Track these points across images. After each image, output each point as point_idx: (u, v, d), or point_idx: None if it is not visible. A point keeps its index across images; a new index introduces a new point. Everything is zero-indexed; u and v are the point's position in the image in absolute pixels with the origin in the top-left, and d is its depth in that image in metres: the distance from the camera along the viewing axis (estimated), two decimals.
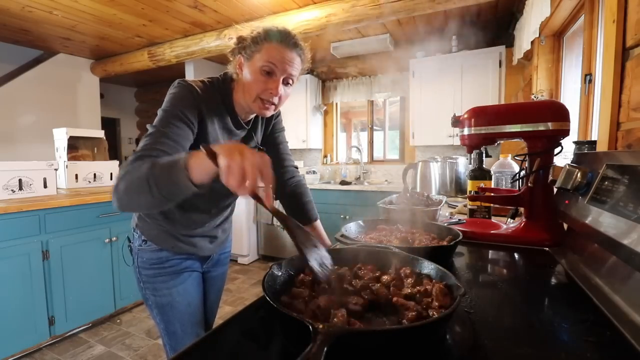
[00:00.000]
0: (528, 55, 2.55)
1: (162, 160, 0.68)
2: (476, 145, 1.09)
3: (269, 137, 1.11)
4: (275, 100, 0.88)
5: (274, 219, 3.64)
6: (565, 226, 0.92)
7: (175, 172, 0.63)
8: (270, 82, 0.86)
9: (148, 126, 0.81)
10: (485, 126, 1.04)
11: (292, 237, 0.56)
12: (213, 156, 0.57)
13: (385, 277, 0.59)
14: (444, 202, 1.50)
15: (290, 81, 0.90)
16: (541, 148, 0.99)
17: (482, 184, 1.28)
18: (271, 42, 0.85)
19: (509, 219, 1.16)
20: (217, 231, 1.09)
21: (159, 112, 0.82)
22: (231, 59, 0.93)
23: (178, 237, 0.99)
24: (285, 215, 0.59)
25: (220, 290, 1.21)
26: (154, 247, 0.98)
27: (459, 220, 1.24)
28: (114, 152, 5.46)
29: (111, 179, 2.95)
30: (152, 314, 1.03)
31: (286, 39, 0.86)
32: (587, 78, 1.60)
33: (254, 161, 0.54)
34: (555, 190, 0.90)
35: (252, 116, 1.01)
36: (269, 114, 0.91)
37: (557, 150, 0.99)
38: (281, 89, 0.87)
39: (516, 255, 0.95)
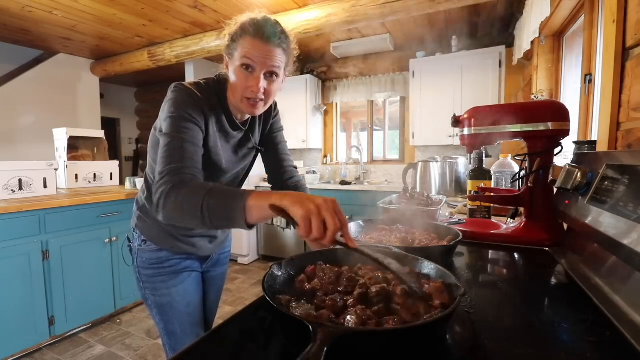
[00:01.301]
0: (528, 55, 2.55)
1: (218, 191, 0.66)
2: (476, 145, 1.09)
3: (267, 137, 1.10)
4: (261, 96, 0.85)
5: (274, 218, 3.65)
6: (565, 226, 0.92)
7: (232, 210, 0.62)
8: (250, 79, 0.83)
9: (160, 135, 0.80)
10: (485, 126, 1.04)
11: (388, 270, 0.55)
12: (281, 211, 0.56)
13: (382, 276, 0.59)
14: (444, 202, 1.50)
15: (275, 75, 0.86)
16: (541, 148, 0.99)
17: (482, 184, 1.28)
18: (246, 37, 0.81)
19: (509, 219, 1.16)
20: (217, 231, 1.09)
21: (166, 119, 0.80)
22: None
23: (177, 237, 0.99)
24: (370, 252, 0.57)
25: (220, 290, 1.21)
26: (154, 247, 0.98)
27: (459, 220, 1.24)
28: (114, 152, 5.46)
29: (111, 179, 2.95)
30: (151, 313, 1.03)
31: (260, 31, 0.81)
32: (587, 78, 1.60)
33: (331, 208, 0.54)
34: (555, 190, 0.90)
35: (249, 116, 1.00)
36: (258, 112, 0.89)
37: (557, 150, 0.99)
38: (263, 84, 0.84)
39: (516, 255, 0.95)
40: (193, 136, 0.80)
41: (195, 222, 0.67)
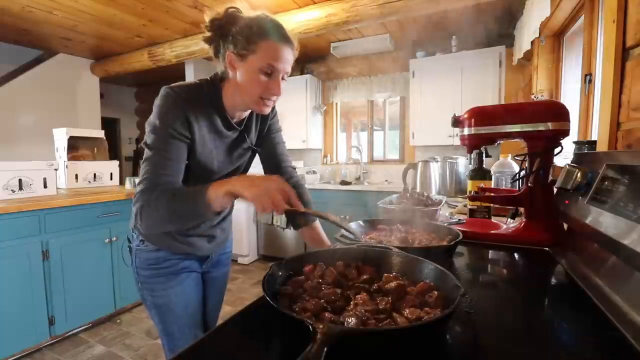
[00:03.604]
0: (528, 55, 2.55)
1: (180, 193, 0.76)
2: (476, 145, 1.09)
3: (265, 138, 1.09)
4: (275, 97, 0.88)
5: (274, 218, 3.66)
6: (565, 226, 0.92)
7: (199, 206, 0.73)
8: (271, 83, 0.84)
9: (144, 146, 0.82)
10: (485, 126, 1.04)
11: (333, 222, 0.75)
12: (234, 195, 0.70)
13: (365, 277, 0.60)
14: (444, 202, 1.50)
15: (286, 77, 0.89)
16: (541, 148, 0.99)
17: (482, 184, 1.28)
18: (269, 40, 0.81)
19: (509, 219, 1.16)
20: (215, 231, 1.08)
21: (151, 131, 0.82)
22: (209, 45, 0.90)
23: (175, 236, 0.98)
24: (320, 212, 0.75)
25: (222, 292, 1.20)
26: (152, 247, 0.97)
27: (459, 220, 1.24)
28: (114, 152, 5.46)
29: (111, 179, 2.95)
30: (150, 314, 1.02)
31: (281, 35, 0.83)
32: (587, 78, 1.60)
33: (274, 186, 0.68)
34: (555, 190, 0.90)
35: (245, 115, 1.00)
36: (267, 111, 0.91)
37: (557, 150, 0.99)
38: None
39: (516, 255, 0.95)
40: (176, 152, 0.82)
41: (172, 227, 0.78)
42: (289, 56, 0.85)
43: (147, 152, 0.81)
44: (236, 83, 0.87)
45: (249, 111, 1.00)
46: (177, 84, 0.87)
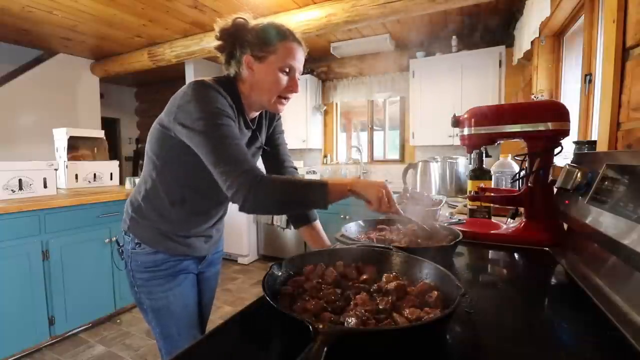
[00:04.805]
0: (528, 55, 2.55)
1: (300, 182, 0.82)
2: (476, 145, 1.09)
3: (270, 139, 1.11)
4: (292, 95, 0.93)
5: (274, 218, 3.66)
6: (565, 226, 0.92)
7: (319, 197, 0.79)
8: (290, 81, 0.90)
9: (194, 134, 0.78)
10: (485, 126, 1.04)
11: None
12: (354, 194, 0.81)
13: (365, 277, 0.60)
14: (444, 202, 1.50)
15: (299, 76, 0.94)
16: (541, 148, 0.99)
17: (482, 184, 1.28)
18: (286, 41, 0.87)
19: (509, 219, 1.16)
20: (212, 231, 1.08)
21: (201, 118, 0.78)
22: (221, 52, 0.91)
23: (173, 237, 0.97)
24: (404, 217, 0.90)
25: (214, 290, 1.21)
26: (149, 249, 0.96)
27: (459, 220, 1.24)
28: (114, 152, 5.46)
29: (111, 179, 2.95)
30: (146, 318, 1.01)
31: (296, 36, 0.90)
32: (587, 78, 1.60)
33: (388, 188, 0.81)
34: (555, 190, 0.90)
35: (256, 115, 1.01)
36: (282, 110, 0.95)
37: (557, 150, 0.99)
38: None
39: (516, 255, 0.95)
40: (234, 132, 0.81)
41: (284, 211, 0.92)
42: (302, 56, 0.91)
43: (202, 139, 0.78)
44: (253, 83, 0.90)
45: (260, 112, 1.02)
46: (204, 78, 0.86)
